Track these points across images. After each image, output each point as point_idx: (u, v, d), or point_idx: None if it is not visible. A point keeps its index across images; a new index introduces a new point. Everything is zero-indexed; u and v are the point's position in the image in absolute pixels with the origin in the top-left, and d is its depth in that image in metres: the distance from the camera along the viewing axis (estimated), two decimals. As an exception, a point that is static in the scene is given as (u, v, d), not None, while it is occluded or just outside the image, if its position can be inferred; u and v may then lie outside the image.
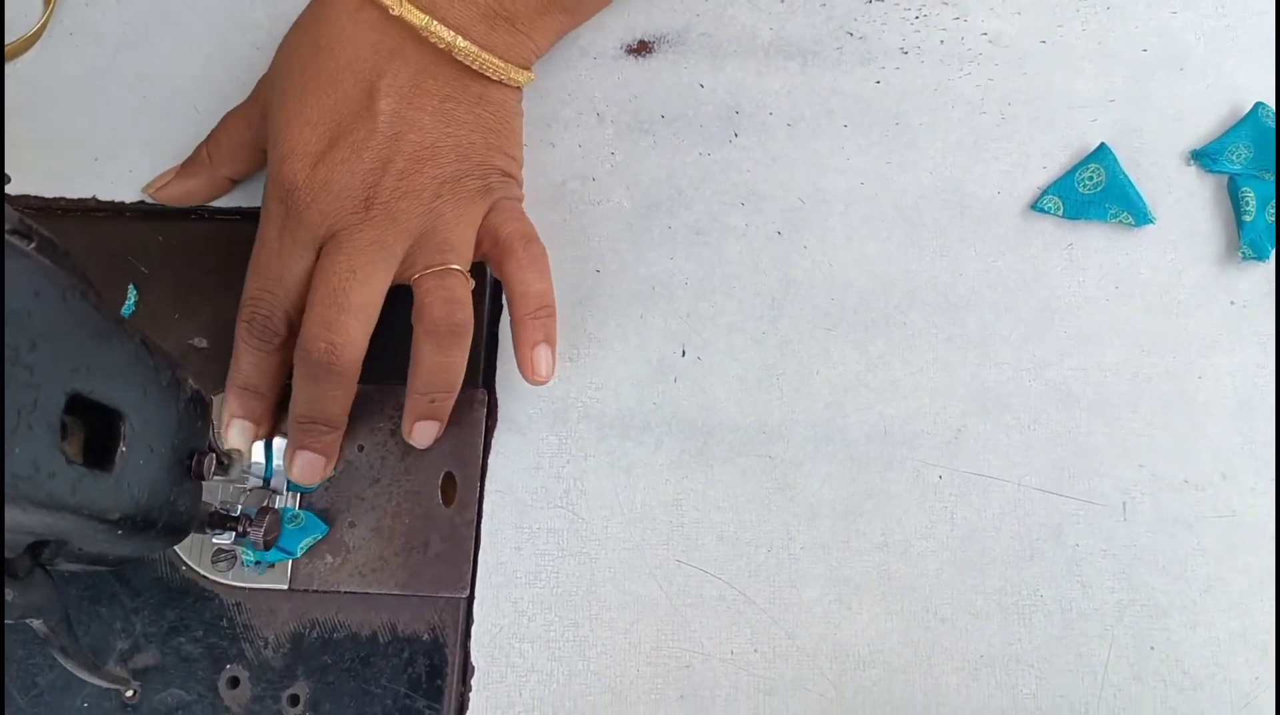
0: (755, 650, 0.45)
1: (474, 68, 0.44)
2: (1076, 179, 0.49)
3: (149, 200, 0.50)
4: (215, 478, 0.39)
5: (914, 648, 0.44)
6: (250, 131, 0.48)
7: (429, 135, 0.44)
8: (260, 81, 0.48)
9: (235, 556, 0.46)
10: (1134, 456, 0.46)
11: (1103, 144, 0.49)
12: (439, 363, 0.44)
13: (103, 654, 0.45)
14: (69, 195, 0.50)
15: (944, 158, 0.50)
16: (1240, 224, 0.48)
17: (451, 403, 0.46)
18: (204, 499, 0.39)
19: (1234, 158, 0.49)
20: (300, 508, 0.46)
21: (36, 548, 0.31)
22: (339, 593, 0.46)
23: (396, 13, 0.43)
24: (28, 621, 0.32)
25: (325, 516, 0.46)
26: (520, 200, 0.48)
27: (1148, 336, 0.47)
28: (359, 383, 0.45)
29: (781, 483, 0.46)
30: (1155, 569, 0.45)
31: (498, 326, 0.49)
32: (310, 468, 0.45)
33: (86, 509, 0.29)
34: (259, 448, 0.46)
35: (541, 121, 0.51)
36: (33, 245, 0.28)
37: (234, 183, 0.50)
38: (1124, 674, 0.44)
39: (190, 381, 0.35)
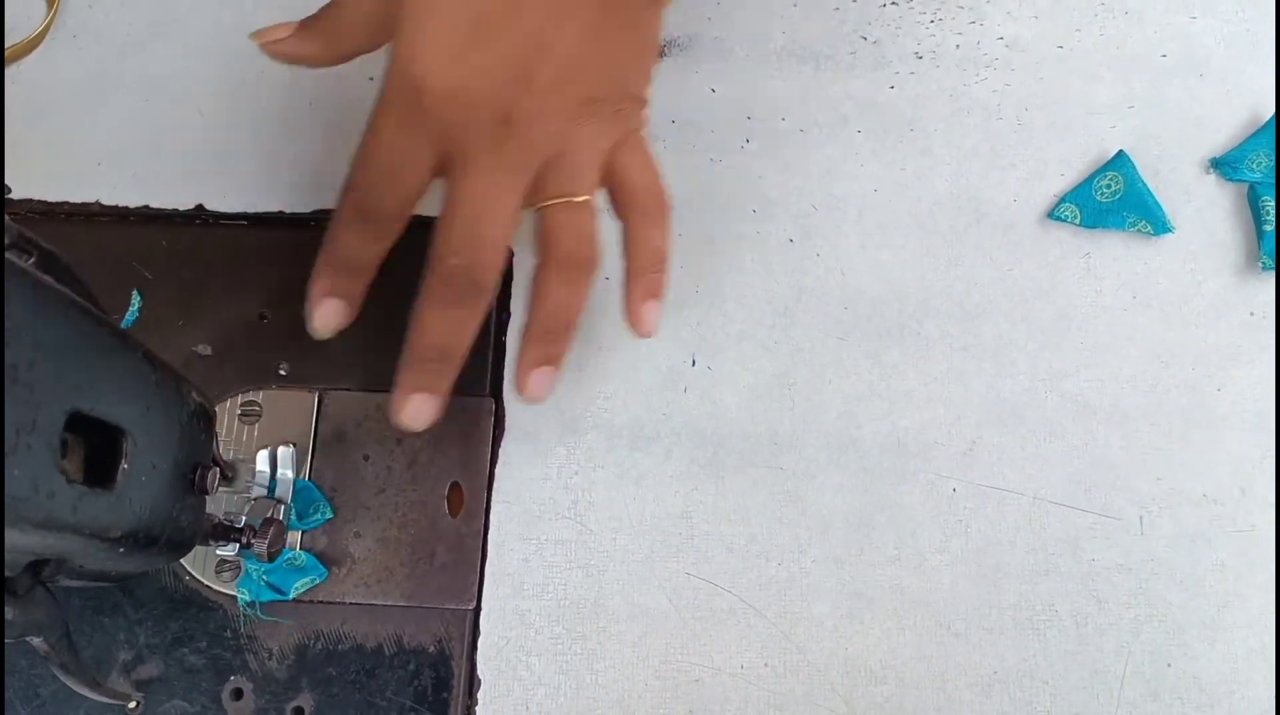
0: (765, 664, 0.44)
1: None
2: (1094, 187, 0.48)
3: (153, 205, 0.50)
4: (220, 490, 0.38)
5: (927, 663, 0.44)
6: (380, 4, 0.41)
7: (576, 50, 0.39)
8: None
9: (240, 567, 0.45)
10: (1152, 470, 0.45)
11: (1121, 152, 0.48)
12: (565, 298, 0.41)
13: (106, 665, 0.44)
14: (72, 199, 0.50)
15: (959, 164, 0.49)
16: (1260, 234, 0.47)
17: (569, 347, 0.43)
18: (208, 510, 0.38)
19: (1254, 166, 0.48)
20: (303, 548, 0.45)
21: (37, 566, 0.30)
22: (344, 604, 0.45)
23: None
24: (28, 639, 0.31)
25: (324, 559, 0.45)
26: (645, 130, 0.44)
27: (1166, 347, 0.46)
28: (366, 390, 0.44)
29: (793, 494, 0.46)
30: (1173, 584, 0.44)
31: (505, 335, 0.48)
32: (423, 410, 0.41)
33: (87, 528, 0.29)
34: (264, 457, 0.45)
35: (550, 126, 0.50)
36: (32, 260, 0.28)
37: (350, 58, 0.44)
38: (1140, 691, 0.43)
39: (194, 394, 0.35)
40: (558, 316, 0.42)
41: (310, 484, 0.46)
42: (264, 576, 0.44)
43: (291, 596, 0.44)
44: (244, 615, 0.45)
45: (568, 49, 0.39)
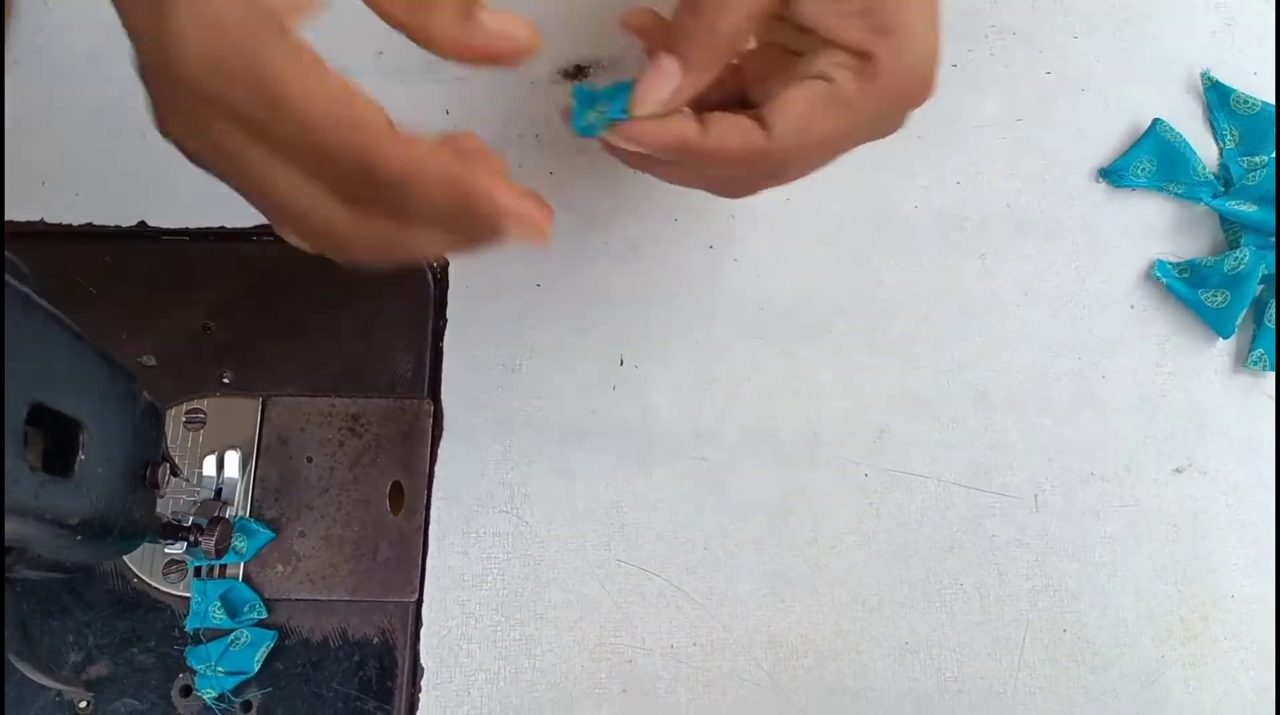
0: (694, 643, 0.47)
1: None
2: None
3: (96, 222, 0.51)
4: (169, 490, 0.40)
5: (843, 636, 0.47)
6: None
7: None
8: None
9: (186, 568, 0.47)
10: (1044, 451, 0.49)
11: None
12: None
13: (56, 667, 0.46)
14: (17, 218, 0.51)
15: (864, 175, 0.53)
16: (1259, 330, 0.51)
17: None
18: (156, 511, 0.40)
19: (1139, 172, 0.52)
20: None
21: (-2, 554, 0.32)
22: (290, 600, 0.47)
23: None
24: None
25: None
26: None
27: (1055, 339, 0.50)
28: (308, 396, 0.47)
29: (716, 483, 0.49)
30: (1066, 556, 0.48)
31: (442, 340, 0.50)
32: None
33: (49, 514, 0.31)
34: (210, 462, 0.47)
35: (482, 143, 0.53)
36: (-5, 263, 0.30)
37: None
38: (1039, 655, 0.47)
39: (145, 393, 0.37)
40: None
41: (241, 584, 0.47)
42: (218, 669, 0.46)
43: (257, 668, 0.46)
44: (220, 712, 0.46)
45: None
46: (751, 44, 0.38)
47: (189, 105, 0.30)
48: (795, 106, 0.36)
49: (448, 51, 0.32)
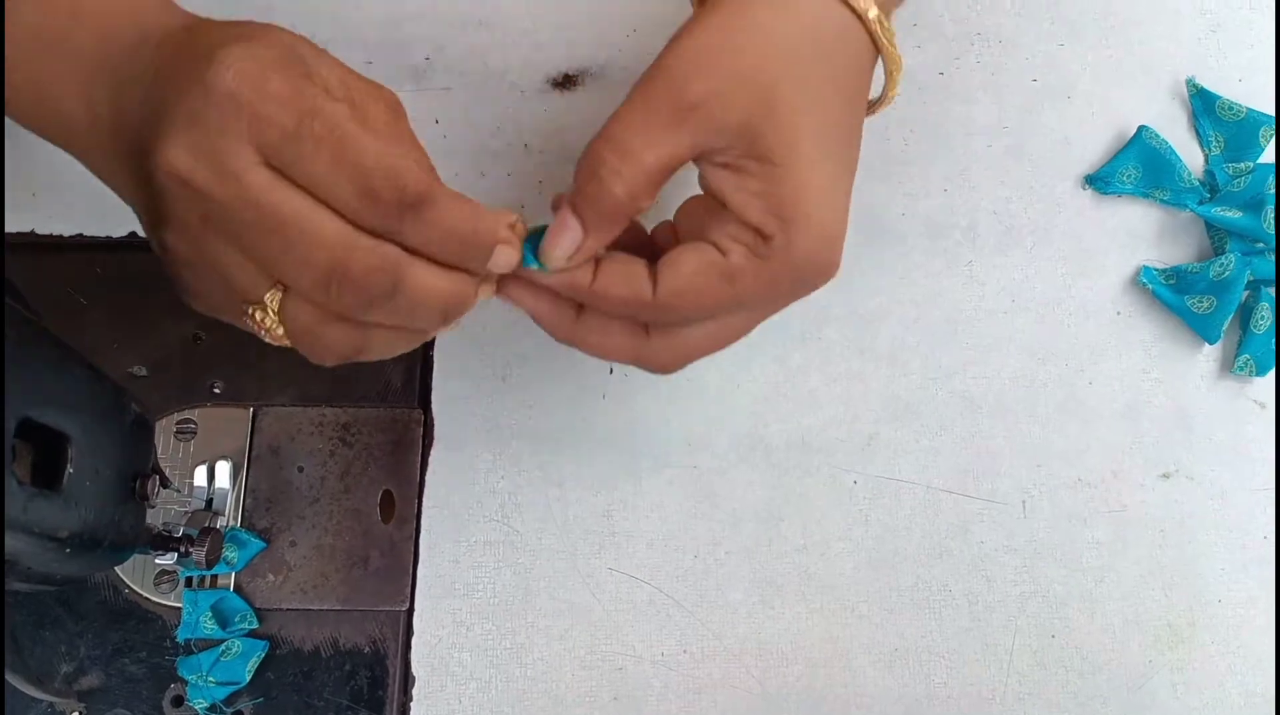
0: (684, 651, 0.47)
1: None
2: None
3: (87, 233, 0.52)
4: (159, 501, 0.40)
5: (833, 643, 0.47)
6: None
7: None
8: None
9: (177, 578, 0.47)
10: (1032, 458, 0.49)
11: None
12: None
13: (47, 678, 0.46)
14: (8, 230, 0.51)
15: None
16: (1245, 335, 0.51)
17: None
18: (147, 522, 0.40)
19: (1125, 179, 0.53)
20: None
21: (-13, 568, 0.32)
22: (281, 610, 0.47)
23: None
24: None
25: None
26: None
27: (1041, 346, 0.51)
28: (299, 405, 0.47)
29: (707, 491, 0.49)
30: (1053, 562, 0.48)
31: (432, 350, 0.50)
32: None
33: (37, 527, 0.31)
34: (201, 472, 0.47)
35: (471, 152, 0.53)
36: (-17, 278, 0.30)
37: None
38: (1028, 661, 0.47)
39: (134, 406, 0.37)
40: None
41: (232, 594, 0.47)
42: (209, 679, 0.46)
43: (249, 678, 0.46)
44: None
45: None
46: (647, 205, 0.37)
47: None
48: (684, 267, 0.36)
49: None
